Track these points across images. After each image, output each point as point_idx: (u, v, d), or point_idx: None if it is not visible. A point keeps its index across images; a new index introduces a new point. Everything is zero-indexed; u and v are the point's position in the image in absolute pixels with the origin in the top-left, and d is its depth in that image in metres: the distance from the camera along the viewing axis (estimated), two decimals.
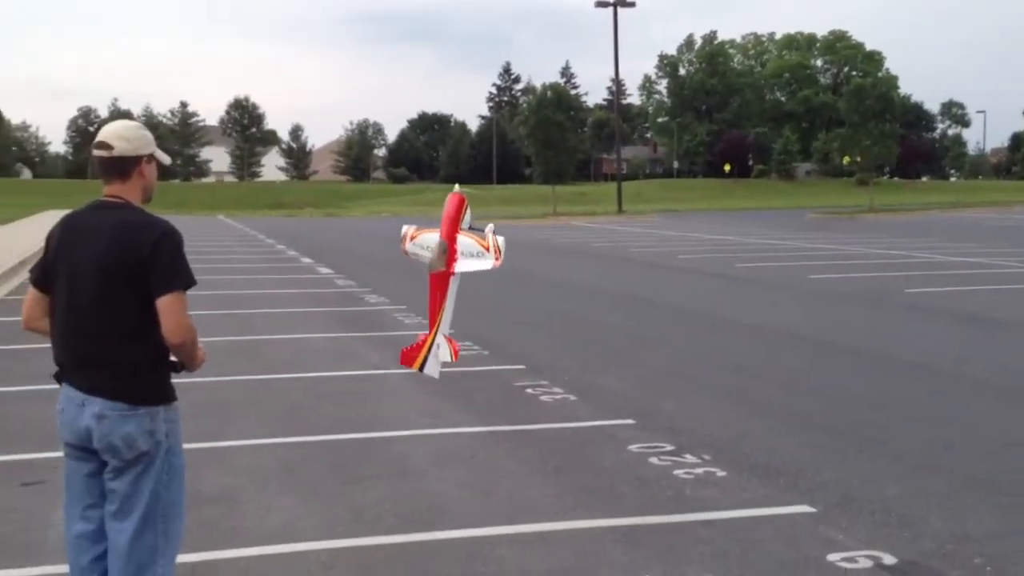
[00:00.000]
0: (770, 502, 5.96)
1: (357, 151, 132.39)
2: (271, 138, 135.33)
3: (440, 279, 4.36)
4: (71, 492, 3.63)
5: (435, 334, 4.44)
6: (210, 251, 26.70)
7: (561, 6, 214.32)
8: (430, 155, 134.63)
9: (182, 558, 4.99)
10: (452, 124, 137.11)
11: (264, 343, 11.67)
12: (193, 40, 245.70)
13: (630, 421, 7.88)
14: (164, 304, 3.46)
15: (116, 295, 3.47)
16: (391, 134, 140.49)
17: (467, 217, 4.47)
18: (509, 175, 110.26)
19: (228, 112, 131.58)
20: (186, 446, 6.93)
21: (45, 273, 3.64)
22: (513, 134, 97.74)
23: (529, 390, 9.01)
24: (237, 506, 5.87)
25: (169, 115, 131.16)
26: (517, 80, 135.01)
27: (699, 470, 6.58)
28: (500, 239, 4.34)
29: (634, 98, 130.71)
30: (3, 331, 12.03)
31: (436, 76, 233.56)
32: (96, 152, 3.58)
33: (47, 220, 39.15)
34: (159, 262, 3.46)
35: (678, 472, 6.53)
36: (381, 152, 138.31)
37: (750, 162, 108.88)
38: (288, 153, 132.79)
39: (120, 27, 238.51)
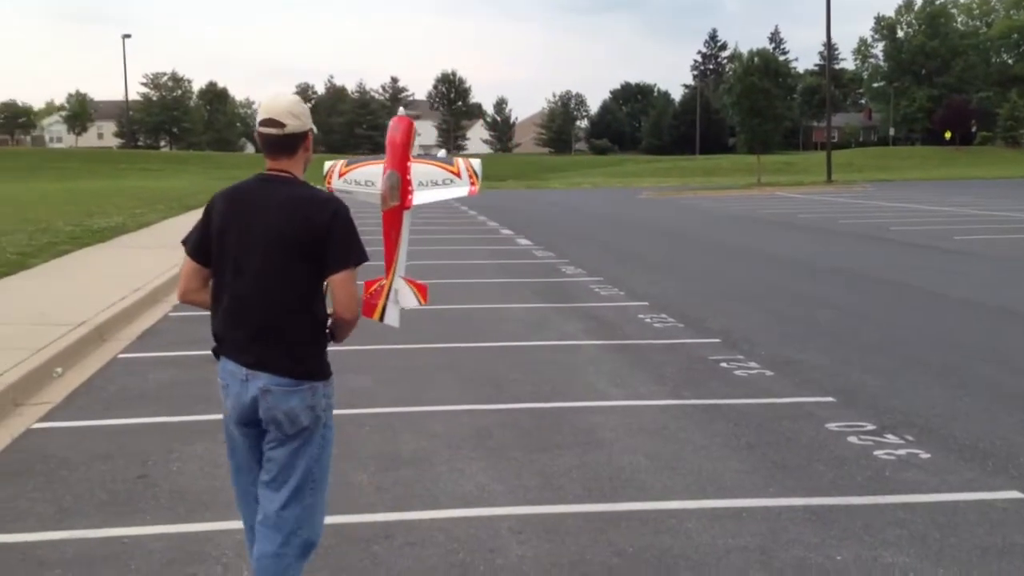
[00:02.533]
0: (976, 486, 5.66)
1: (559, 123, 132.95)
2: (476, 111, 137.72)
3: (392, 216, 4.11)
4: (240, 459, 3.72)
5: (392, 279, 4.21)
6: (414, 222, 27.43)
7: None
8: (632, 126, 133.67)
9: (377, 517, 5.24)
10: (655, 94, 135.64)
11: (463, 312, 11.91)
12: (405, 16, 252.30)
13: (830, 399, 7.62)
14: (339, 279, 3.51)
15: (291, 268, 3.48)
16: (593, 105, 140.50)
17: (415, 145, 4.12)
18: (713, 145, 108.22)
19: (436, 86, 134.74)
20: (386, 409, 7.32)
21: (206, 245, 3.61)
22: (717, 103, 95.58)
23: (724, 364, 8.85)
24: (432, 468, 6.03)
25: (381, 90, 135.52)
26: (723, 47, 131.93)
27: (901, 451, 6.30)
28: (475, 162, 4.02)
29: (847, 63, 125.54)
30: None
31: (640, 45, 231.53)
32: (266, 130, 3.55)
33: None
34: (336, 237, 3.49)
35: (878, 453, 6.28)
36: (583, 124, 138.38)
37: (973, 129, 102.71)
38: (492, 126, 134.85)
39: (336, 6, 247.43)
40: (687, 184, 55.92)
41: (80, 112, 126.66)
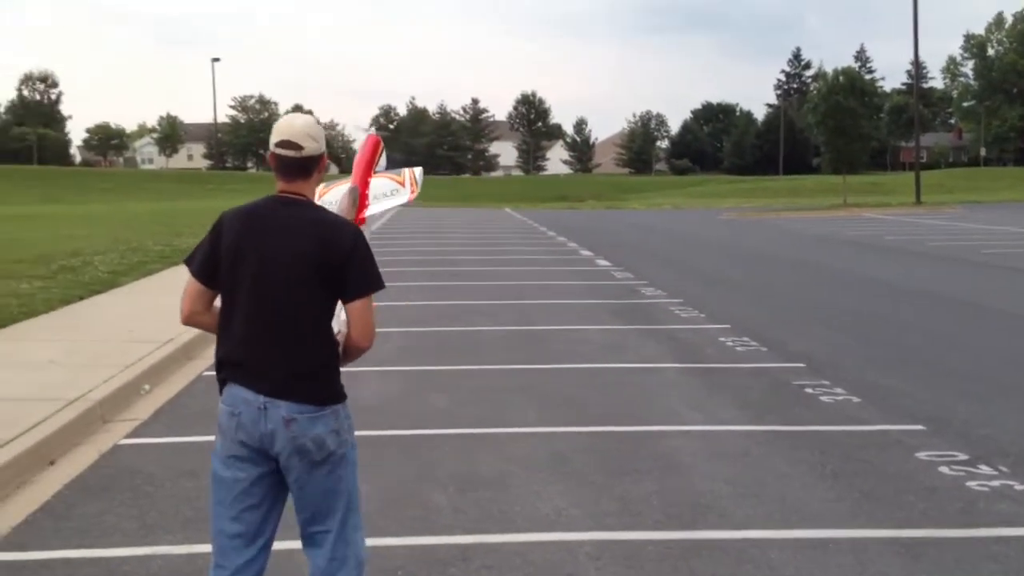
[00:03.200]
0: None
1: (639, 143, 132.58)
2: (556, 132, 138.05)
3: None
4: (225, 493, 3.49)
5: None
6: (493, 242, 27.57)
7: None
8: (714, 146, 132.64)
9: (454, 539, 5.22)
10: (737, 113, 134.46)
11: (542, 333, 11.89)
12: (485, 38, 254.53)
13: (919, 427, 7.41)
14: (357, 307, 3.43)
15: (308, 293, 3.39)
16: (674, 125, 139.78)
17: (382, 161, 4.13)
18: (797, 165, 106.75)
19: (516, 107, 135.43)
20: (464, 431, 7.31)
21: (213, 265, 3.46)
22: (801, 123, 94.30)
23: (808, 389, 8.67)
24: (509, 491, 5.99)
25: (461, 111, 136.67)
26: (807, 66, 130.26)
27: (995, 482, 6.09)
28: (417, 170, 4.03)
29: (936, 81, 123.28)
30: None
31: (721, 65, 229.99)
32: (282, 151, 3.44)
33: None
34: (357, 263, 3.41)
35: (971, 484, 6.07)
36: (663, 144, 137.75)
37: None
38: (572, 146, 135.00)
39: (418, 29, 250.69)
40: (770, 205, 55.26)
41: (171, 134, 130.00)
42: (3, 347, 9.78)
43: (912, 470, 6.36)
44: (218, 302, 3.52)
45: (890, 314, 13.59)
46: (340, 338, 3.51)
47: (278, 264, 3.38)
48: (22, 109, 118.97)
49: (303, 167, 3.47)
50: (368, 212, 4.08)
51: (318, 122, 3.55)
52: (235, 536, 3.50)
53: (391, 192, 4.12)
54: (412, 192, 4.07)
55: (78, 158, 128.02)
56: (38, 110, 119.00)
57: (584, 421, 7.67)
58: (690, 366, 9.80)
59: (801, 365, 9.74)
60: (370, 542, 5.09)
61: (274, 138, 3.47)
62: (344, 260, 3.39)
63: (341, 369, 3.56)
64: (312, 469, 3.45)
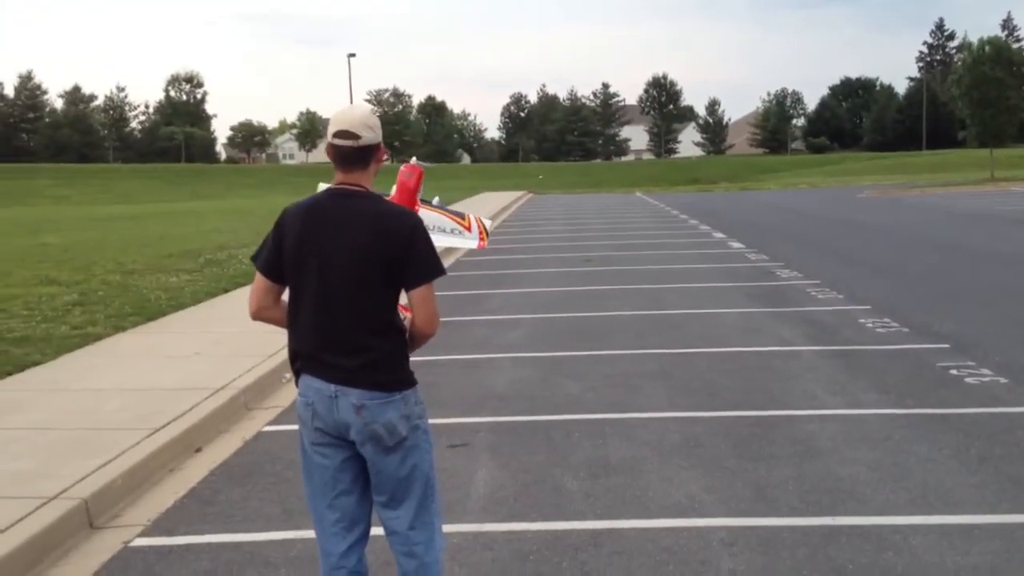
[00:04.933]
0: None
1: (774, 122, 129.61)
2: (688, 114, 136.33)
3: None
4: (316, 482, 3.60)
5: None
6: (625, 227, 27.40)
7: None
8: (853, 122, 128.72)
9: (586, 524, 5.24)
10: (877, 88, 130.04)
11: (675, 317, 11.77)
12: (614, 22, 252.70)
13: None
14: (419, 294, 3.46)
15: (375, 283, 3.42)
16: (811, 103, 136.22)
17: (436, 199, 4.14)
18: (941, 140, 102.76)
19: (646, 90, 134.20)
20: (596, 416, 7.31)
21: (279, 261, 3.52)
22: (945, 96, 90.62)
23: (953, 371, 8.36)
24: (642, 477, 5.96)
25: (591, 97, 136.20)
26: (951, 37, 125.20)
27: None
28: (487, 221, 4.02)
29: None
30: (447, 303, 13.14)
31: (860, 38, 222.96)
32: (340, 142, 3.46)
33: (483, 201, 42.17)
34: (418, 251, 3.44)
35: None
36: (799, 122, 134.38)
37: None
38: (704, 128, 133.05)
39: (547, 17, 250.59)
40: (912, 181, 53.36)
41: (310, 129, 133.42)
42: (152, 339, 10.22)
43: None
44: (286, 296, 3.59)
45: None
46: (407, 323, 3.55)
47: (339, 258, 3.42)
48: (170, 109, 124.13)
49: (360, 157, 3.49)
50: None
51: (374, 113, 3.57)
52: (335, 523, 3.61)
53: (451, 230, 4.18)
54: (481, 239, 4.09)
55: (223, 155, 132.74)
56: (185, 110, 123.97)
57: (718, 406, 7.57)
58: (828, 348, 9.56)
59: (945, 346, 9.39)
60: (502, 527, 5.22)
61: (331, 128, 3.49)
62: (404, 249, 3.42)
63: (411, 356, 3.60)
64: (385, 455, 3.51)
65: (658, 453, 6.42)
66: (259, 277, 3.62)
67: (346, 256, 3.41)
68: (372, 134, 3.49)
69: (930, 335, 9.97)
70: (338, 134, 3.47)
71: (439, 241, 4.18)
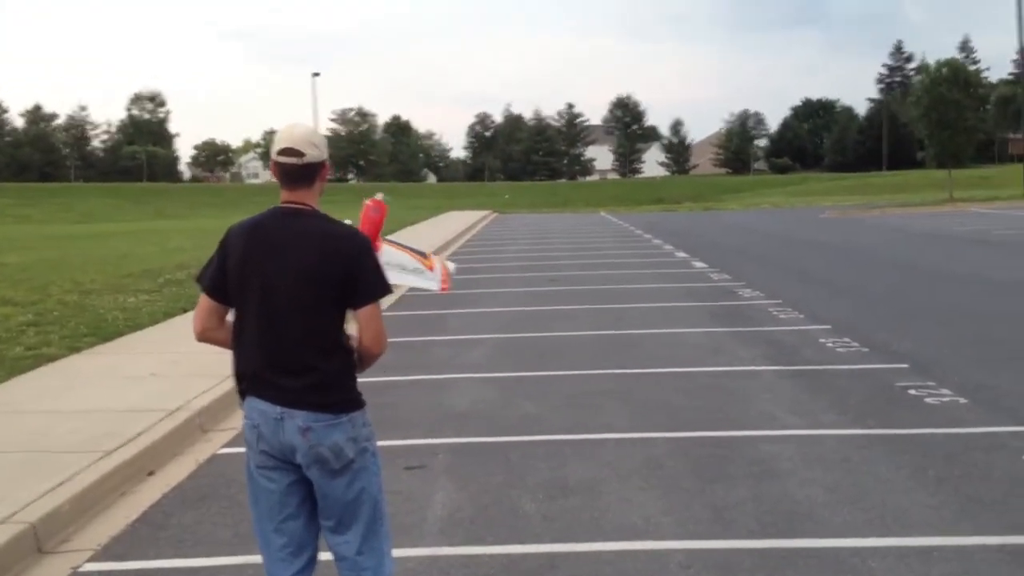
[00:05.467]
0: None
1: (737, 142, 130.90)
2: (652, 134, 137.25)
3: None
4: (263, 507, 3.53)
5: None
6: (590, 246, 27.45)
7: None
8: (814, 143, 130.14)
9: (543, 547, 5.18)
10: (838, 109, 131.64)
11: (637, 337, 11.76)
12: (577, 44, 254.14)
13: None
14: (366, 313, 3.42)
15: (318, 304, 3.37)
16: (773, 124, 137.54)
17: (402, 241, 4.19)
18: (900, 161, 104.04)
19: (611, 111, 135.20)
20: (555, 437, 7.26)
21: (223, 282, 3.47)
22: (904, 117, 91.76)
23: (912, 391, 8.39)
24: (600, 498, 5.91)
25: (557, 117, 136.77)
26: (910, 59, 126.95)
27: None
28: (451, 265, 4.08)
29: None
30: (408, 323, 13.06)
31: (821, 61, 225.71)
32: (283, 159, 3.43)
33: (448, 220, 42.13)
34: (365, 270, 3.41)
35: None
36: (762, 143, 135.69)
37: None
38: (669, 148, 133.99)
39: (512, 36, 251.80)
40: (873, 201, 53.94)
41: None
42: (108, 360, 10.07)
43: (1019, 473, 6.09)
44: (230, 317, 3.54)
45: (1000, 312, 13.09)
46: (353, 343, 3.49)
47: (284, 278, 3.37)
48: (132, 128, 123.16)
49: (305, 175, 3.45)
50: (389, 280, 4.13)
51: (318, 131, 3.56)
52: (282, 548, 3.54)
53: (412, 269, 4.15)
54: (445, 285, 4.10)
55: (187, 174, 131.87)
56: (147, 128, 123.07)
57: (678, 426, 7.54)
58: (788, 368, 9.58)
59: (905, 366, 9.44)
60: (458, 550, 5.15)
61: (275, 147, 3.45)
62: (350, 268, 3.39)
63: (360, 377, 3.55)
64: (332, 478, 3.45)
65: (617, 474, 6.38)
66: (203, 298, 3.55)
67: (291, 276, 3.37)
68: (316, 151, 3.46)
69: (889, 355, 10.01)
70: (282, 151, 3.43)
71: (398, 279, 4.12)
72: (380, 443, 7.07)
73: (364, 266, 3.42)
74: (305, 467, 3.44)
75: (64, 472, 6.09)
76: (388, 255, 4.15)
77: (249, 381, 3.48)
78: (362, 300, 3.42)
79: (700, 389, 8.82)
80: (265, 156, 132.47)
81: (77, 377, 9.19)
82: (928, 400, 8.06)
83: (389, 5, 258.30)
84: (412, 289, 4.16)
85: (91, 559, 5.22)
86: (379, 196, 4.29)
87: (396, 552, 5.09)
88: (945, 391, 8.32)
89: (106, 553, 5.31)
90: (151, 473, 6.66)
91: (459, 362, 10.43)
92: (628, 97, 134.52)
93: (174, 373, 9.13)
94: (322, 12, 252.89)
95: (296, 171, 3.44)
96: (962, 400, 8.01)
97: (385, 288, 3.49)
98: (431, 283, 4.13)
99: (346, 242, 3.44)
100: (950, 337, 11.12)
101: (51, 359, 9.97)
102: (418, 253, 4.22)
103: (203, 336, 3.60)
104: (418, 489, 6.19)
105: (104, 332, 11.61)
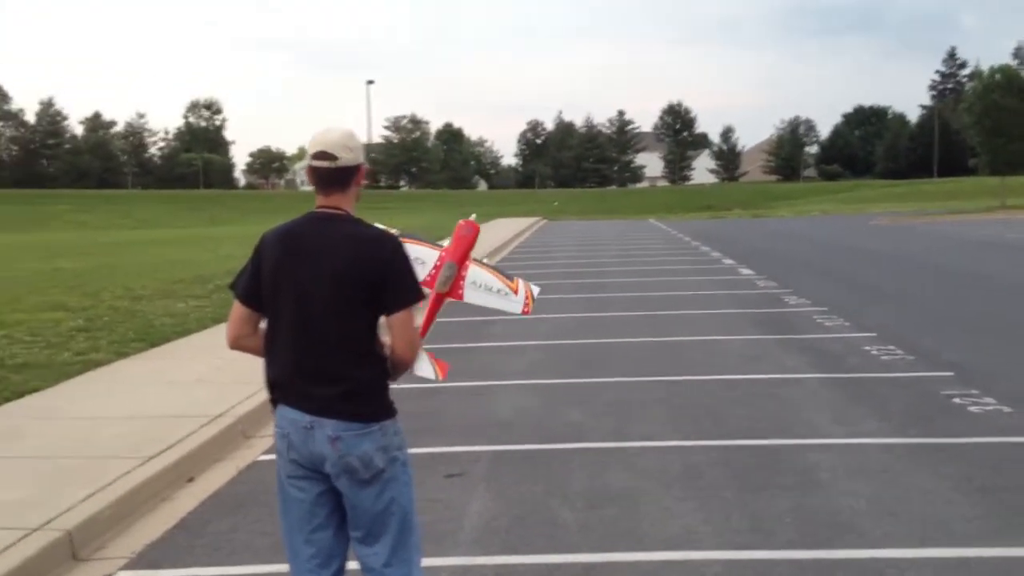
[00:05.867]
0: None
1: (788, 149, 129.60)
2: (702, 141, 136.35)
3: (438, 299, 4.15)
4: (293, 517, 3.50)
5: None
6: (638, 253, 27.35)
7: None
8: (866, 150, 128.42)
9: (580, 557, 5.16)
10: (890, 116, 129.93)
11: (681, 344, 11.70)
12: (630, 49, 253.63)
13: None
14: (399, 319, 3.37)
15: (352, 310, 3.34)
16: (824, 130, 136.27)
17: (487, 259, 4.21)
18: (952, 168, 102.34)
19: (661, 118, 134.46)
20: (596, 444, 7.24)
21: (258, 289, 3.45)
22: (957, 124, 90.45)
23: (957, 399, 8.27)
24: (639, 508, 5.89)
25: (607, 124, 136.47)
26: (963, 65, 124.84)
27: None
28: (535, 288, 4.08)
29: None
30: (453, 329, 13.09)
31: (873, 67, 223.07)
32: (317, 163, 3.40)
33: (499, 226, 42.19)
34: (397, 275, 3.37)
35: None
36: (813, 149, 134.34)
37: None
38: (719, 155, 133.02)
39: (563, 44, 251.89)
40: (924, 209, 53.20)
41: None
42: (155, 364, 10.22)
43: None
44: (263, 325, 3.52)
45: None
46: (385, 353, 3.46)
47: (318, 284, 3.34)
48: (189, 135, 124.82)
49: (339, 178, 3.43)
50: (469, 299, 4.17)
51: (355, 134, 3.51)
52: (310, 559, 3.52)
53: (497, 291, 4.17)
54: (526, 306, 4.11)
55: (242, 181, 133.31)
56: (204, 136, 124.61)
57: (720, 434, 7.50)
58: (832, 376, 9.48)
59: (950, 374, 9.30)
60: (493, 560, 5.16)
61: (309, 150, 3.43)
62: (382, 274, 3.35)
63: (392, 385, 3.52)
64: (361, 488, 3.41)
65: (657, 483, 6.35)
66: (237, 305, 3.55)
67: (324, 281, 3.34)
68: (351, 155, 3.43)
69: (935, 363, 9.87)
70: (316, 155, 3.41)
71: (482, 300, 4.18)
72: (422, 450, 7.20)
73: (397, 271, 3.39)
74: (334, 477, 3.42)
75: (105, 478, 6.18)
76: (475, 275, 4.19)
77: (281, 389, 3.47)
78: (395, 306, 3.38)
79: (743, 397, 8.76)
80: None
81: (123, 382, 9.33)
82: (972, 409, 7.94)
83: (443, 15, 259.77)
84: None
85: (125, 567, 5.26)
86: (472, 217, 4.36)
87: (427, 561, 5.12)
88: (989, 400, 8.19)
89: (141, 560, 5.36)
90: (191, 479, 6.74)
91: (503, 369, 10.44)
92: (679, 104, 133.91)
93: (219, 379, 9.24)
94: (376, 21, 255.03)
95: (330, 175, 3.42)
96: (1007, 409, 7.88)
97: (418, 294, 3.46)
98: (514, 306, 4.16)
99: (378, 246, 3.41)
100: (997, 346, 10.94)
101: (98, 364, 10.14)
102: (504, 275, 4.26)
103: (236, 344, 3.59)
104: (456, 497, 6.20)
105: (152, 337, 11.78)
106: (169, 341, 11.73)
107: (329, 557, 3.54)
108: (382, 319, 3.44)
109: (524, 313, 4.15)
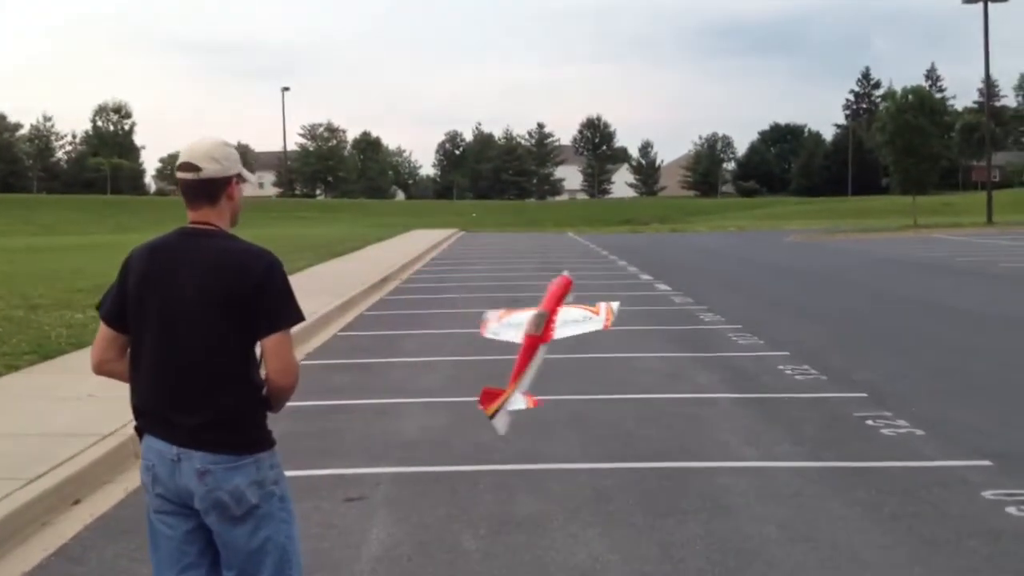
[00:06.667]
0: None
1: (705, 165, 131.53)
2: (621, 155, 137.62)
3: (532, 342, 4.26)
4: (162, 554, 3.25)
5: (513, 391, 4.23)
6: (554, 267, 27.20)
7: (923, 6, 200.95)
8: (782, 167, 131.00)
9: None
10: (806, 135, 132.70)
11: (594, 361, 11.54)
12: (548, 65, 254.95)
13: (986, 462, 6.95)
14: (272, 344, 3.13)
15: (218, 333, 3.11)
16: (741, 147, 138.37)
17: (570, 298, 4.38)
18: (865, 186, 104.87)
19: (581, 131, 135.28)
20: (504, 467, 7.02)
21: (122, 309, 3.23)
22: (870, 143, 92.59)
23: (869, 422, 8.23)
24: (545, 534, 5.69)
25: (527, 136, 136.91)
26: (877, 86, 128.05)
27: None
28: (615, 304, 4.23)
29: (1009, 99, 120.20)
30: (364, 343, 12.79)
31: (789, 86, 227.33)
32: (182, 174, 3.22)
33: (415, 238, 41.88)
34: (270, 294, 3.13)
35: None
36: (730, 166, 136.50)
37: None
38: (637, 170, 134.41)
39: (484, 56, 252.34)
40: (837, 226, 54.20)
41: (242, 163, 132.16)
42: (46, 379, 9.73)
43: (977, 511, 5.92)
44: None
45: (961, 341, 13.03)
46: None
47: (184, 302, 3.13)
48: (96, 140, 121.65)
49: (205, 191, 3.22)
50: (558, 336, 4.26)
51: (227, 145, 3.31)
52: None
53: (583, 319, 4.29)
54: (607, 323, 4.21)
55: (152, 187, 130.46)
56: (112, 140, 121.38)
57: (631, 456, 7.35)
58: (745, 396, 9.41)
59: (863, 395, 9.29)
60: None
61: (178, 161, 3.26)
62: (254, 291, 3.12)
63: (270, 414, 3.28)
64: (233, 526, 3.16)
65: (565, 508, 6.16)
66: (102, 326, 3.30)
67: (189, 301, 3.13)
68: (217, 166, 3.22)
69: (848, 383, 9.86)
70: (180, 166, 3.25)
71: (570, 332, 4.24)
72: (321, 472, 6.91)
73: (269, 291, 3.14)
74: (203, 513, 3.16)
75: None
76: (564, 315, 4.30)
77: (145, 418, 3.23)
78: (266, 329, 3.14)
79: (656, 416, 8.63)
80: None
81: (10, 398, 8.86)
82: (884, 431, 7.90)
83: (361, 22, 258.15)
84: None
85: None
86: (566, 272, 4.56)
87: None
88: (902, 422, 8.17)
89: None
90: (77, 502, 6.36)
91: (412, 386, 10.17)
92: (598, 118, 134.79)
93: (111, 395, 8.74)
94: (293, 27, 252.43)
95: (194, 187, 3.22)
96: (919, 432, 7.85)
97: (294, 316, 3.20)
98: (597, 324, 4.25)
99: (251, 262, 3.17)
100: (910, 366, 11.01)
101: None
102: (587, 305, 4.36)
103: (100, 368, 3.35)
104: (355, 522, 5.94)
105: (46, 350, 11.25)
106: (64, 354, 11.20)
107: None
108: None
109: (605, 328, 4.18)
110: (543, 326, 4.21)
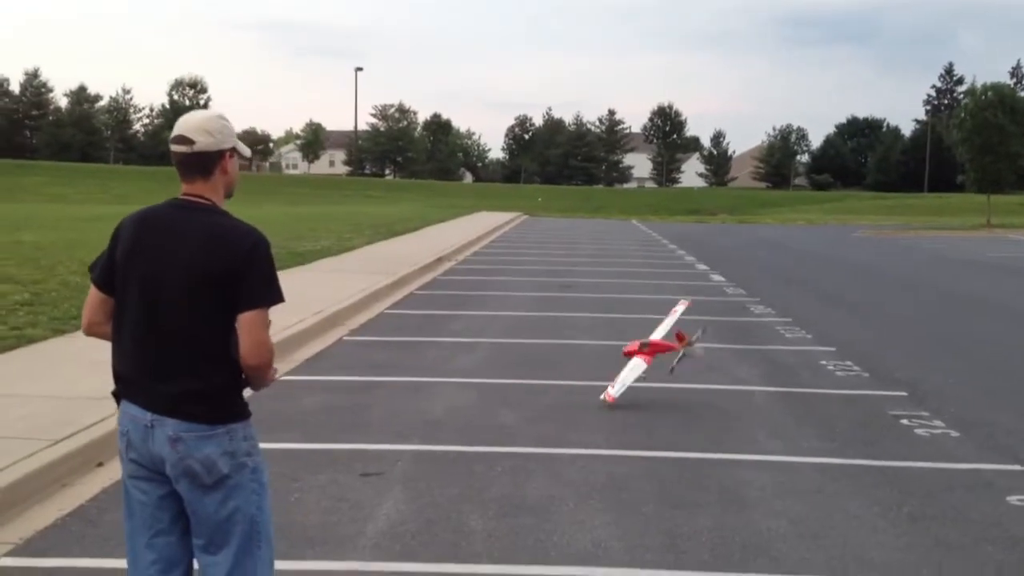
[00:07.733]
0: None
1: (778, 157, 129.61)
2: (692, 144, 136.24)
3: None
4: (135, 520, 3.29)
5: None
6: (613, 254, 27.10)
7: (1012, 1, 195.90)
8: (857, 161, 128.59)
9: (478, 568, 4.91)
10: (884, 129, 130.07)
11: None
12: (623, 51, 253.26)
13: (1017, 467, 6.76)
14: (246, 320, 3.11)
15: (201, 305, 3.12)
16: (816, 140, 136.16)
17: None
18: (942, 183, 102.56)
19: (651, 119, 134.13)
20: (524, 449, 6.99)
21: (111, 273, 3.27)
22: (950, 140, 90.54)
23: (904, 421, 8.05)
24: (552, 518, 5.65)
25: (597, 123, 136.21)
26: (960, 82, 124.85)
27: None
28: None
29: None
30: (410, 322, 12.83)
31: (870, 79, 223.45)
32: (175, 147, 3.23)
33: (477, 220, 41.93)
34: (251, 274, 3.12)
35: None
36: (804, 158, 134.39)
37: None
38: (708, 159, 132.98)
39: (558, 41, 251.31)
40: (909, 223, 53.11)
41: (313, 141, 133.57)
42: (86, 344, 9.84)
43: (999, 516, 5.75)
44: None
45: (1017, 343, 12.66)
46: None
47: (168, 274, 3.15)
48: (172, 114, 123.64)
49: (197, 165, 3.24)
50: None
51: (222, 118, 3.31)
52: (150, 564, 3.30)
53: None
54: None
55: None
56: None
57: (652, 445, 7.27)
58: (781, 390, 9.25)
59: (903, 394, 9.08)
60: (389, 566, 4.91)
61: (172, 134, 3.28)
62: (237, 268, 3.12)
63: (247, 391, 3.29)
64: (204, 494, 3.19)
65: (577, 494, 6.10)
66: (93, 290, 3.37)
67: (173, 273, 3.16)
68: (209, 139, 3.23)
69: (890, 381, 9.65)
70: (173, 139, 3.27)
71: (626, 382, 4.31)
72: (343, 446, 6.92)
73: (252, 267, 3.14)
74: (174, 480, 3.19)
75: (3, 460, 5.90)
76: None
77: (124, 384, 3.26)
78: (244, 304, 3.13)
79: (686, 407, 8.54)
80: (306, 147, 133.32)
81: (50, 361, 9.02)
82: (918, 431, 7.72)
83: (435, 5, 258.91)
84: None
85: (9, 553, 5.02)
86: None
87: (318, 565, 4.92)
88: (938, 423, 7.97)
89: (27, 548, 5.11)
90: (100, 464, 6.46)
91: (448, 366, 10.16)
92: (669, 106, 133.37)
93: None
94: (369, 8, 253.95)
95: (187, 160, 3.24)
96: (954, 433, 7.65)
97: (274, 296, 3.19)
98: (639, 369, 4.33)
99: (236, 240, 3.17)
100: (959, 367, 10.74)
101: (32, 340, 9.84)
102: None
103: (90, 330, 3.42)
104: (368, 498, 5.95)
105: None
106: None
107: (171, 564, 3.31)
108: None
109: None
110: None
